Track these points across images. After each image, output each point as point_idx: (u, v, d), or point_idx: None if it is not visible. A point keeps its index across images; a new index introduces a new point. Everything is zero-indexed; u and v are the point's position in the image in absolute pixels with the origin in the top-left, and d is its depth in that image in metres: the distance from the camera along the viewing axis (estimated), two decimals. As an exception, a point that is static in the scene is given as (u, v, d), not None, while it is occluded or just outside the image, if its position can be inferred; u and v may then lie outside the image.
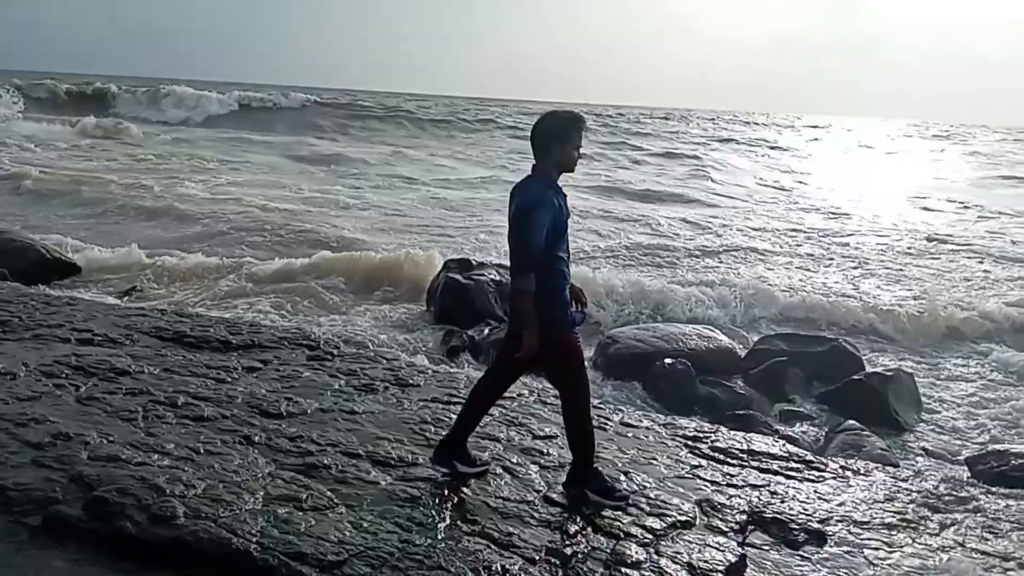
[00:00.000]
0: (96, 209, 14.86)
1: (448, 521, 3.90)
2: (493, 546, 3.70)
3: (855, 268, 13.89)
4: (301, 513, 3.67)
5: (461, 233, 14.24)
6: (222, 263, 10.63)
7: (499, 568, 3.47)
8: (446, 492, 4.19)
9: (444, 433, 4.60)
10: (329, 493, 3.97)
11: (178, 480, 3.80)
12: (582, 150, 4.13)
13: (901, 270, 13.80)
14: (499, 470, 4.58)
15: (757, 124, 68.29)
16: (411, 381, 6.06)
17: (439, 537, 3.70)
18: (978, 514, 4.83)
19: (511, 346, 4.17)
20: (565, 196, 4.11)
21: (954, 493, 5.09)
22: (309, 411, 5.12)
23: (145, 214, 14.37)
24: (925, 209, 23.86)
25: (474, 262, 8.96)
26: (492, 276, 8.54)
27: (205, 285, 9.85)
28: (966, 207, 24.62)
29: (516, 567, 3.53)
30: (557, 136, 4.03)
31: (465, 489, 4.27)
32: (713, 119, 70.05)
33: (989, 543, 4.49)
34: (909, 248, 16.05)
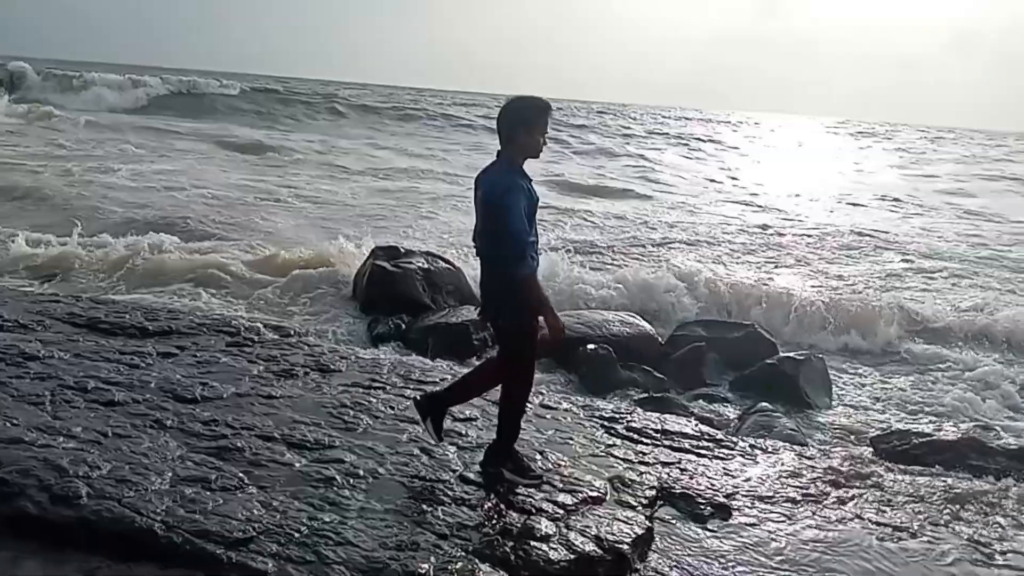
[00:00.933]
0: (11, 196, 14.34)
1: (362, 501, 3.92)
2: (405, 523, 3.74)
3: (778, 260, 14.28)
4: (209, 493, 3.66)
5: (391, 222, 14.18)
6: (145, 251, 10.37)
7: (409, 542, 3.52)
8: (361, 473, 4.21)
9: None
10: (241, 474, 3.96)
11: (83, 462, 3.74)
12: (547, 137, 4.13)
13: (824, 264, 14.22)
14: (416, 451, 4.62)
15: (692, 119, 69.39)
16: (333, 367, 6.04)
17: (351, 515, 3.72)
18: (877, 489, 5.07)
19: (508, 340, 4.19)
20: (531, 180, 4.09)
21: (856, 470, 5.33)
22: (225, 396, 5.07)
23: (64, 201, 13.92)
24: (853, 204, 24.62)
25: (402, 250, 8.95)
26: (420, 264, 8.55)
27: (126, 273, 9.61)
28: (895, 203, 25.44)
29: (426, 542, 3.58)
30: (524, 121, 4.01)
31: (381, 470, 4.30)
32: (649, 114, 70.88)
33: (885, 515, 4.72)
34: (834, 242, 16.53)
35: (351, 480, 4.11)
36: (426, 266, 8.45)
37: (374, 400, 5.35)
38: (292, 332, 6.96)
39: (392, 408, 5.27)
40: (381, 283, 8.09)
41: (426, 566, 3.34)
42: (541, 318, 4.04)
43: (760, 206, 22.32)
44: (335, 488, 4.00)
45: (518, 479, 4.35)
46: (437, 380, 6.04)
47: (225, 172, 19.16)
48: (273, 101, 40.82)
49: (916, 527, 4.58)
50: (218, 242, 10.84)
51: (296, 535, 3.40)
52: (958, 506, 4.90)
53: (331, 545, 3.37)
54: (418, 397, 4.55)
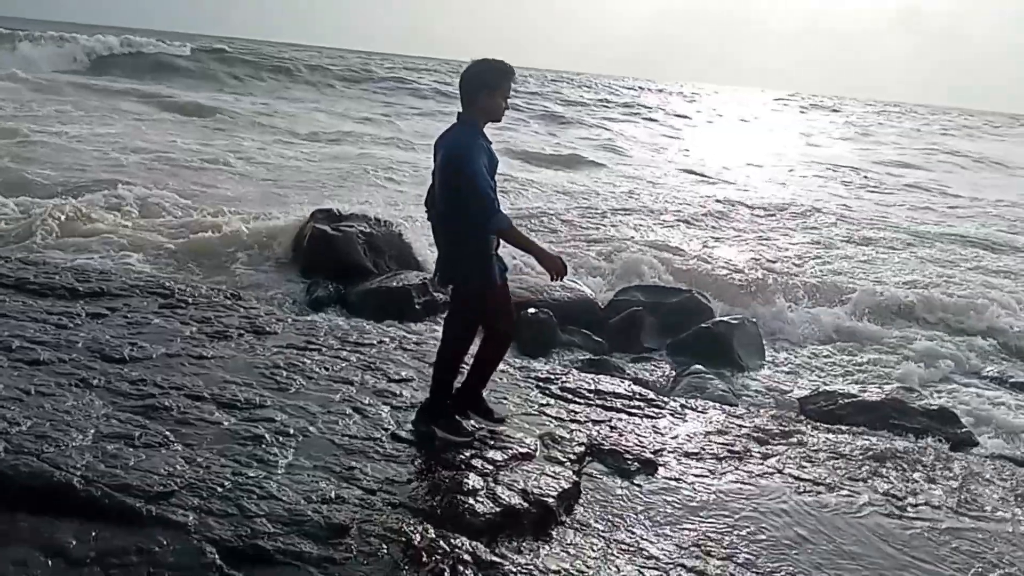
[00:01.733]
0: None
1: (290, 458, 3.93)
2: (333, 479, 3.77)
3: (724, 230, 14.47)
4: (132, 449, 3.64)
5: (340, 188, 14.01)
6: (83, 213, 10.10)
7: (334, 497, 3.55)
8: (291, 432, 4.22)
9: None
10: (166, 432, 3.93)
11: (1, 418, 3.68)
12: (509, 101, 4.11)
13: (770, 234, 14.43)
14: (349, 410, 4.63)
15: (643, 89, 69.51)
16: (268, 329, 6.00)
17: (277, 472, 3.73)
18: (800, 446, 5.23)
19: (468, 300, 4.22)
20: (491, 143, 4.07)
21: (781, 428, 5.49)
22: (155, 356, 5.01)
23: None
24: (802, 176, 25.01)
25: (344, 213, 8.88)
26: (362, 228, 8.48)
27: (64, 235, 9.36)
28: (843, 175, 25.86)
29: (353, 496, 3.61)
30: (485, 84, 3.96)
31: (311, 428, 4.31)
32: (602, 83, 70.83)
33: (805, 470, 4.88)
34: (781, 213, 16.76)
35: (280, 438, 4.11)
36: (368, 230, 8.39)
37: (308, 361, 5.34)
38: (228, 294, 6.88)
39: (327, 369, 5.27)
40: (321, 247, 8.02)
41: (348, 517, 3.37)
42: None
43: (710, 176, 22.56)
44: (263, 446, 4.00)
45: (450, 437, 4.41)
46: (374, 343, 6.05)
47: (170, 135, 18.68)
48: (222, 63, 39.76)
49: (834, 482, 4.74)
50: (157, 206, 10.59)
51: (219, 489, 3.41)
52: (877, 463, 5.08)
53: (254, 499, 3.38)
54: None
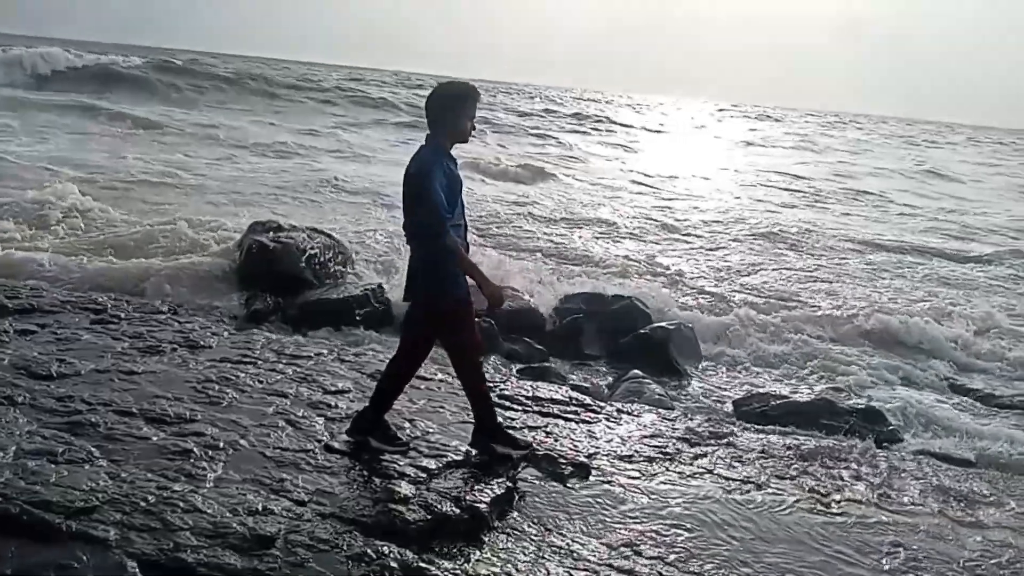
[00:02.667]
0: None
1: (219, 472, 3.92)
2: (262, 491, 3.76)
3: (669, 240, 14.57)
4: (54, 466, 3.59)
5: (279, 199, 13.84)
6: (17, 232, 9.85)
7: (262, 508, 3.54)
8: (221, 445, 4.20)
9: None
10: (92, 448, 3.90)
11: (-84, 439, 3.61)
12: (475, 122, 4.23)
13: (716, 245, 14.51)
14: (282, 423, 4.63)
15: (589, 100, 70.11)
16: (203, 343, 5.96)
17: (204, 485, 3.71)
18: (731, 447, 5.35)
19: (423, 319, 4.30)
20: (456, 163, 4.20)
21: (713, 430, 5.61)
22: (83, 372, 4.95)
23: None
24: (750, 186, 25.40)
25: (284, 225, 8.81)
26: (302, 239, 8.42)
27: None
28: (790, 184, 26.29)
29: (281, 508, 3.61)
30: (449, 107, 4.13)
31: (242, 442, 4.29)
32: (549, 95, 71.32)
33: (735, 470, 5.00)
34: (731, 224, 16.84)
35: (209, 452, 4.10)
36: (308, 241, 8.34)
37: (243, 375, 5.32)
38: (163, 309, 6.81)
39: (261, 382, 5.25)
40: (260, 259, 7.94)
41: (275, 528, 3.37)
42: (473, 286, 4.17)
43: (658, 187, 22.78)
44: (191, 460, 3.98)
45: (383, 446, 4.43)
46: (312, 355, 6.05)
47: (113, 149, 18.20)
48: (171, 75, 38.93)
49: (763, 480, 4.86)
50: (93, 220, 10.36)
51: (142, 504, 3.38)
52: (804, 461, 5.22)
53: (178, 513, 3.36)
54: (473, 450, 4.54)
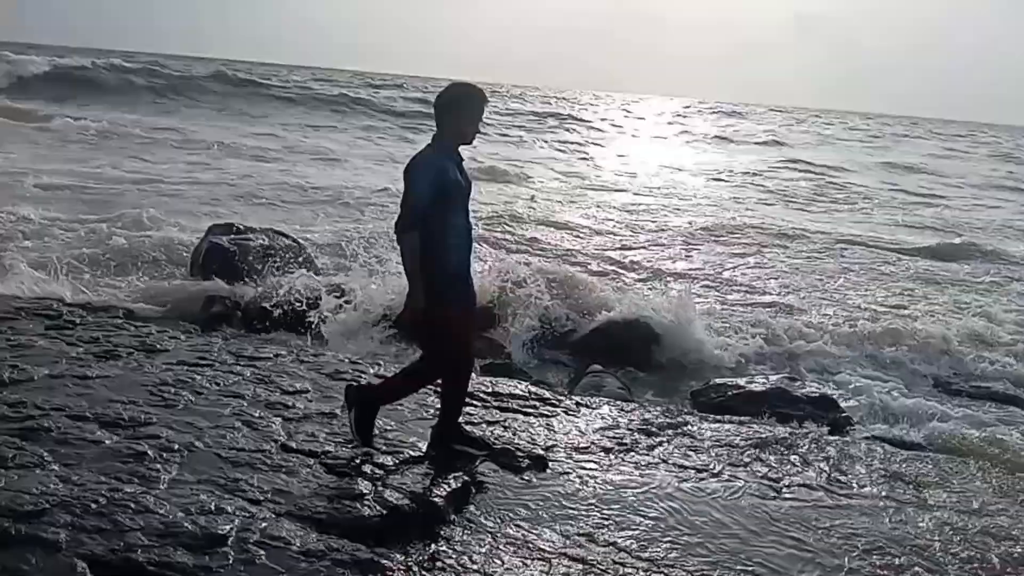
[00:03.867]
0: None
1: (173, 473, 3.92)
2: (216, 491, 3.77)
3: (637, 238, 14.59)
4: (4, 471, 3.57)
5: (239, 201, 13.71)
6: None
7: (214, 508, 3.55)
8: (176, 447, 4.20)
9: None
10: (43, 453, 3.87)
11: None
12: (481, 124, 4.23)
13: (681, 243, 14.50)
14: (238, 424, 4.63)
15: (551, 99, 70.08)
16: (159, 346, 5.94)
17: (157, 487, 3.71)
18: (686, 437, 5.43)
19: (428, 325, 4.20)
20: (460, 164, 4.17)
21: (669, 421, 5.69)
22: (36, 378, 4.92)
23: None
24: (717, 179, 25.66)
25: (242, 227, 8.77)
26: (261, 240, 8.40)
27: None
28: (754, 181, 26.55)
29: (235, 507, 3.62)
30: (453, 107, 4.12)
31: (197, 443, 4.29)
32: (512, 94, 71.30)
33: (690, 459, 5.08)
34: (696, 221, 16.87)
35: (164, 454, 4.09)
36: (267, 243, 8.32)
37: (199, 377, 5.30)
38: (120, 313, 6.76)
39: (218, 384, 5.25)
40: (218, 260, 7.92)
41: (228, 527, 3.39)
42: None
43: (624, 185, 22.87)
44: (145, 463, 3.97)
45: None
46: (270, 356, 6.04)
47: (77, 156, 17.79)
48: (127, 77, 38.24)
49: (717, 469, 4.95)
50: (51, 227, 10.22)
51: (93, 506, 3.38)
52: (757, 449, 5.32)
53: (129, 514, 3.36)
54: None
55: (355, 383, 4.78)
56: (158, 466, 3.95)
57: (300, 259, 8.65)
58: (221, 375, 5.42)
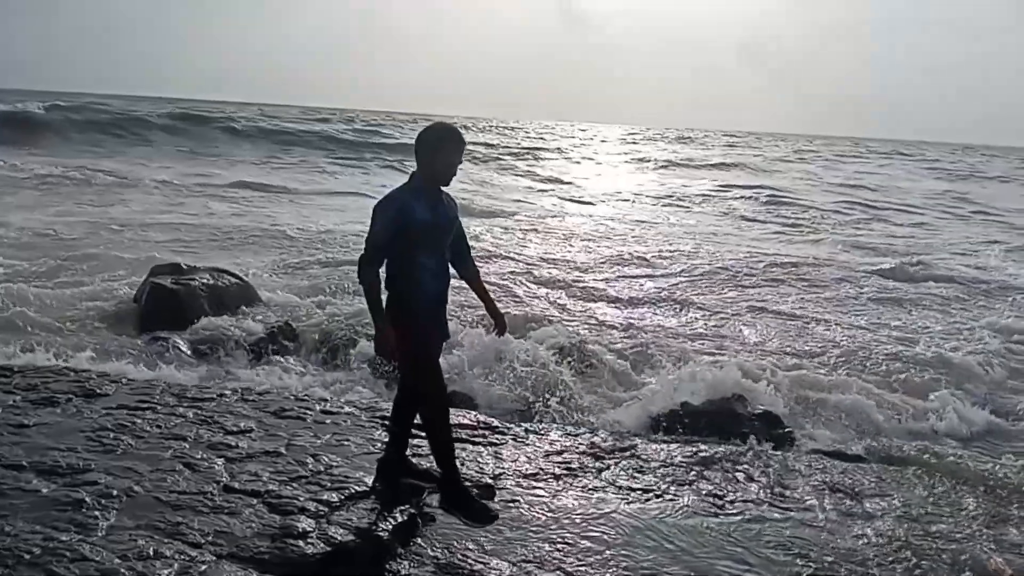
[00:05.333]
0: None
1: (112, 520, 3.85)
2: (155, 536, 3.71)
3: (582, 264, 14.63)
4: (-67, 526, 3.48)
5: (178, 241, 13.53)
6: None
7: (153, 553, 3.50)
8: (115, 493, 4.13)
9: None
10: (-26, 506, 3.78)
11: None
12: (459, 165, 4.19)
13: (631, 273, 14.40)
14: (179, 466, 4.57)
15: (502, 129, 70.77)
16: (99, 391, 5.84)
17: (95, 534, 3.65)
18: (633, 458, 5.49)
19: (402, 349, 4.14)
20: (437, 202, 4.14)
21: (617, 444, 5.75)
22: (-31, 430, 4.79)
23: None
24: (672, 205, 25.94)
25: (184, 266, 8.68)
26: (205, 280, 8.32)
27: None
28: (711, 206, 26.84)
29: (174, 551, 3.57)
30: (429, 147, 4.11)
31: (137, 488, 4.22)
32: (466, 125, 71.78)
33: (637, 480, 5.14)
34: (652, 246, 16.88)
35: (102, 501, 4.02)
36: (211, 282, 8.24)
37: (140, 421, 5.23)
38: (58, 359, 6.64)
39: (159, 427, 5.18)
40: (161, 301, 7.82)
41: (166, 572, 3.34)
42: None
43: (578, 212, 22.98)
44: (83, 510, 3.90)
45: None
46: (214, 396, 5.98)
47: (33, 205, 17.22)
48: (68, 119, 37.53)
49: (663, 488, 5.01)
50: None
51: (26, 557, 3.31)
52: (702, 467, 5.40)
53: (64, 563, 3.30)
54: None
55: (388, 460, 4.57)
56: (96, 513, 3.88)
57: (245, 296, 8.58)
58: (163, 417, 5.35)
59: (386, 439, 5.37)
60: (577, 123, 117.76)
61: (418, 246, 4.07)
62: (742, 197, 29.34)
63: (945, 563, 4.32)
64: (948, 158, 69.14)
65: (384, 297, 4.14)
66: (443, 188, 4.24)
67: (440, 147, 4.15)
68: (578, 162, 45.29)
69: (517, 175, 34.15)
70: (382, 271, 4.11)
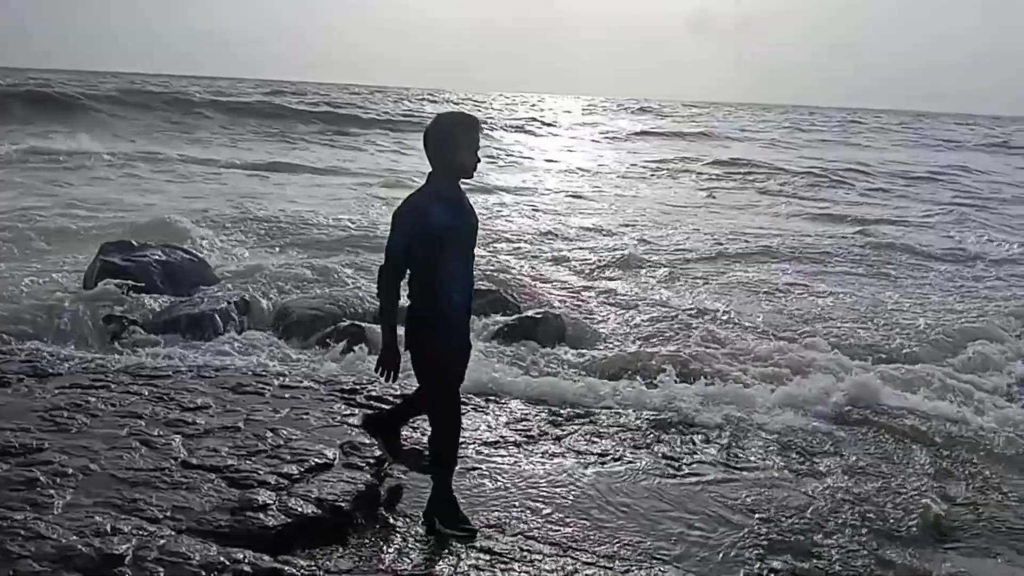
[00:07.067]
0: None
1: (68, 498, 3.81)
2: (112, 513, 3.68)
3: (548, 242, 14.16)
4: None
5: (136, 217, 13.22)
6: None
7: (110, 529, 3.47)
8: (70, 472, 4.08)
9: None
10: (-75, 488, 3.71)
11: None
12: (480, 152, 3.87)
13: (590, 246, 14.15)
14: (136, 443, 4.52)
15: (467, 100, 70.04)
16: (51, 370, 5.75)
17: (50, 512, 3.61)
18: (591, 424, 5.59)
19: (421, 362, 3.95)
20: (456, 204, 3.85)
21: (575, 411, 5.82)
22: (-84, 412, 4.69)
23: None
24: (630, 177, 25.77)
25: (135, 243, 8.52)
26: (157, 256, 8.18)
27: None
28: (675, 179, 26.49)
29: (132, 527, 3.54)
30: (443, 140, 3.79)
31: (93, 466, 4.18)
32: (426, 97, 70.91)
33: (595, 445, 5.23)
34: (612, 222, 16.58)
35: (57, 479, 3.98)
36: (163, 258, 8.11)
37: (94, 399, 5.16)
38: (7, 339, 6.50)
39: (114, 405, 5.11)
40: (113, 279, 7.66)
41: (125, 547, 3.32)
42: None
43: (537, 188, 22.61)
44: (38, 489, 3.85)
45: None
46: (169, 373, 5.92)
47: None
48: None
49: (620, 453, 5.11)
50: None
51: (-22, 537, 3.26)
52: (659, 431, 5.51)
53: (19, 541, 3.26)
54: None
55: (370, 414, 4.72)
56: (51, 491, 3.83)
57: (199, 272, 8.45)
58: (117, 396, 5.28)
59: (345, 412, 5.41)
60: (533, 95, 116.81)
61: (441, 255, 3.78)
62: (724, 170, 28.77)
63: (893, 514, 4.47)
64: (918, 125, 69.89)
65: (405, 305, 3.91)
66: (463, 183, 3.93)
67: (460, 139, 3.81)
68: (559, 135, 43.96)
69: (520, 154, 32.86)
70: (404, 283, 3.86)
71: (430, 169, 3.89)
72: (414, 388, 4.44)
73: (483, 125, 3.97)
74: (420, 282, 3.85)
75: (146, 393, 5.42)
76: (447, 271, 3.81)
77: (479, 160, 3.89)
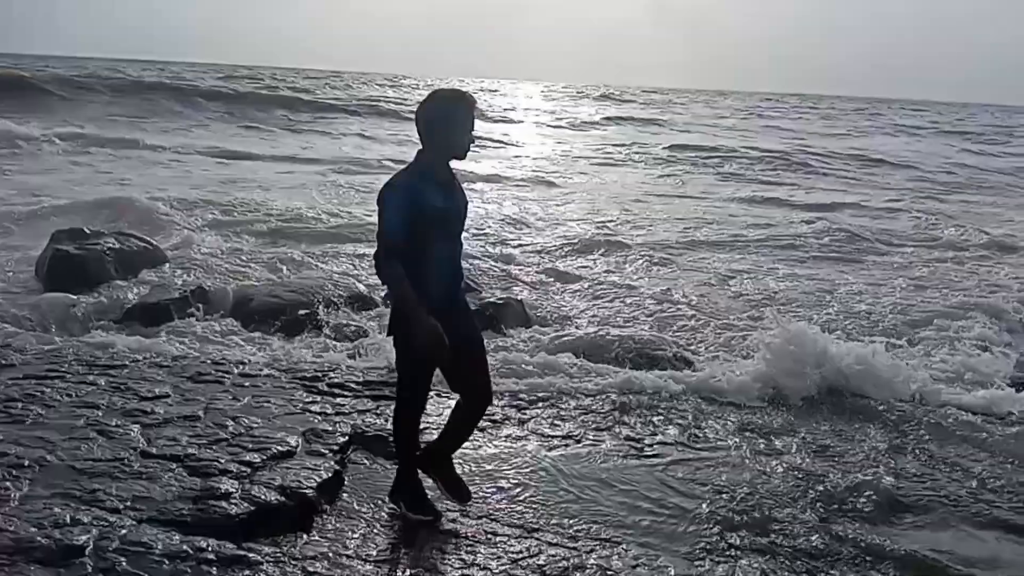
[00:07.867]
0: None
1: (24, 490, 3.76)
2: (72, 504, 3.64)
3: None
4: None
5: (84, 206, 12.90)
6: None
7: (70, 520, 3.43)
8: (26, 464, 4.02)
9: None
10: None
11: None
12: (473, 132, 3.71)
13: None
14: (93, 434, 4.47)
15: (420, 86, 69.41)
16: (4, 362, 5.66)
17: (8, 505, 3.56)
18: (553, 407, 5.63)
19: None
20: (447, 184, 3.70)
21: (538, 395, 5.86)
22: None
23: None
24: (601, 164, 25.74)
25: (88, 231, 8.35)
26: (110, 244, 8.02)
27: None
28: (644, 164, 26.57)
29: (92, 518, 3.50)
30: (434, 120, 3.64)
31: (49, 457, 4.11)
32: (384, 83, 70.28)
33: (558, 428, 5.28)
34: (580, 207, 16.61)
35: (14, 472, 3.92)
36: (117, 246, 7.96)
37: (49, 390, 5.08)
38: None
39: (70, 396, 5.04)
40: (64, 266, 7.51)
41: (85, 538, 3.29)
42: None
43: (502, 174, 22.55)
44: (-8, 483, 3.78)
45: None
46: (126, 363, 5.84)
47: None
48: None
49: (582, 435, 5.16)
50: None
51: (-68, 533, 3.20)
52: (621, 413, 5.57)
53: (-27, 535, 3.21)
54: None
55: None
56: (7, 484, 3.78)
57: (155, 260, 8.32)
58: (73, 386, 5.20)
59: (307, 399, 5.39)
60: (493, 80, 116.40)
61: (429, 237, 3.62)
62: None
63: (847, 490, 4.59)
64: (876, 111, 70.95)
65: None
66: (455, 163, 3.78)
67: (451, 118, 3.66)
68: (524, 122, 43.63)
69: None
70: None
71: (417, 150, 3.73)
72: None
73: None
74: (405, 266, 3.60)
75: (102, 383, 5.34)
76: (433, 256, 3.67)
77: (473, 140, 3.76)
